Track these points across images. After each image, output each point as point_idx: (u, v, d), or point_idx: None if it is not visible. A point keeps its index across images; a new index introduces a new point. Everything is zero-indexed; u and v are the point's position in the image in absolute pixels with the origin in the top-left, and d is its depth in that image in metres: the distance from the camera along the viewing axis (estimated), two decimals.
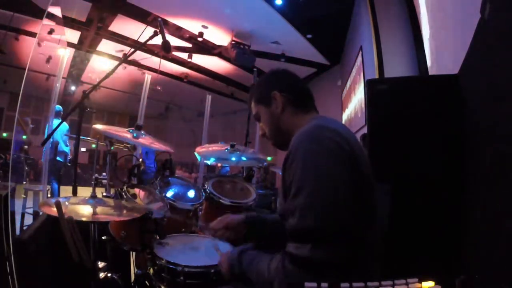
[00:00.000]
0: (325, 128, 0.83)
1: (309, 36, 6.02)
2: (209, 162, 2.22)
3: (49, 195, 3.76)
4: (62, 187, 4.32)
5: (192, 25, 6.11)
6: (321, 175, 0.75)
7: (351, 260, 0.73)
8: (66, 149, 4.45)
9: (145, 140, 1.76)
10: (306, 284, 0.58)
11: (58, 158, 4.24)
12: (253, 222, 1.15)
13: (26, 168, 4.17)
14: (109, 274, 1.30)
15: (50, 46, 4.48)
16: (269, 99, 0.98)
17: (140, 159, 1.86)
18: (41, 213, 2.23)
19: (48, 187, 4.11)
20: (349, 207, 0.74)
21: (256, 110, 1.03)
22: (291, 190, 0.78)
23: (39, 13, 4.97)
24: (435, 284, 0.59)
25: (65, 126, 4.52)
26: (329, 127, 0.83)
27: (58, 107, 4.13)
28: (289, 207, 0.79)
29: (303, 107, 0.98)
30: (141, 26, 5.88)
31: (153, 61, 7.12)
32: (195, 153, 1.93)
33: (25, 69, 2.91)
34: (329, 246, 0.71)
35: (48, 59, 5.00)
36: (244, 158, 1.87)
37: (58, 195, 4.16)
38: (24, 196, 3.37)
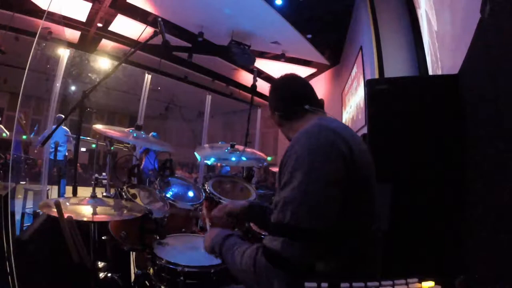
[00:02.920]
0: (324, 127, 0.83)
1: (309, 36, 6.02)
2: (209, 162, 2.22)
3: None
4: None
5: (192, 25, 6.11)
6: (310, 172, 0.75)
7: (325, 260, 0.73)
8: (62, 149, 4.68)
9: (145, 140, 1.76)
10: (306, 284, 0.58)
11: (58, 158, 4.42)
12: (255, 210, 1.16)
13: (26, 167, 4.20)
14: (109, 274, 1.30)
15: (50, 46, 4.49)
16: (272, 113, 1.07)
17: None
18: (41, 213, 2.23)
19: (49, 187, 4.14)
20: (334, 207, 0.74)
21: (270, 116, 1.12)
22: (281, 183, 0.79)
23: (39, 13, 4.98)
24: (435, 284, 0.59)
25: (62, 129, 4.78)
26: (328, 126, 0.84)
27: (60, 115, 4.41)
28: (276, 199, 0.79)
29: (297, 116, 1.01)
30: (141, 26, 5.88)
31: (153, 61, 7.11)
32: (195, 153, 1.93)
33: (25, 69, 2.90)
34: (302, 243, 0.71)
35: (48, 60, 5.02)
36: (244, 158, 1.87)
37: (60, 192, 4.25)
38: (20, 197, 3.37)
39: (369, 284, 0.57)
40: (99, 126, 1.69)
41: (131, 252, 1.64)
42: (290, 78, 1.08)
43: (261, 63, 6.33)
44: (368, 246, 0.83)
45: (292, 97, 1.04)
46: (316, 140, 0.79)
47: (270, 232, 0.77)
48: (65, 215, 0.92)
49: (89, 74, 8.21)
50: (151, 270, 1.27)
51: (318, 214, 0.73)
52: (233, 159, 1.87)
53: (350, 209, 0.76)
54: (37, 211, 3.08)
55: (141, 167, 4.03)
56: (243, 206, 1.16)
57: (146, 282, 1.31)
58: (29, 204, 3.35)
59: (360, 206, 0.79)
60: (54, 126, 4.31)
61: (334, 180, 0.75)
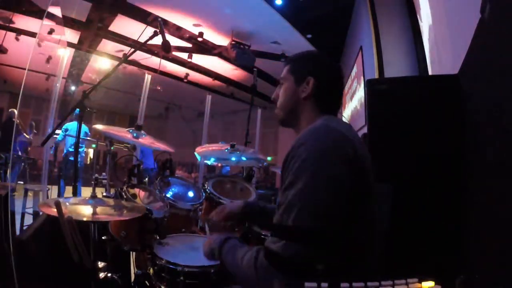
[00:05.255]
0: (332, 129, 0.82)
1: (309, 36, 6.02)
2: (209, 162, 2.22)
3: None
4: None
5: (192, 25, 6.11)
6: (316, 175, 0.74)
7: (326, 264, 0.72)
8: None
9: (145, 140, 1.76)
10: (306, 284, 0.58)
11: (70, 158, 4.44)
12: (253, 210, 1.16)
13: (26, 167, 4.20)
14: (109, 274, 1.30)
15: (50, 46, 4.49)
16: (302, 79, 0.92)
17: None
18: (41, 213, 2.23)
19: (49, 187, 4.14)
20: (338, 211, 0.74)
21: (285, 76, 0.97)
22: (285, 183, 0.78)
23: (39, 13, 4.97)
24: (435, 284, 0.59)
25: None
26: (336, 128, 0.82)
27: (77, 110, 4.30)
28: (280, 200, 0.79)
29: (326, 107, 0.93)
30: (141, 26, 5.88)
31: (153, 61, 7.12)
32: (195, 153, 1.93)
33: (25, 69, 2.90)
34: (304, 246, 0.71)
35: (48, 59, 5.02)
36: (244, 158, 1.87)
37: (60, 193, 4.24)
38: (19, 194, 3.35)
39: (369, 284, 0.57)
40: (99, 126, 1.69)
41: (131, 252, 1.64)
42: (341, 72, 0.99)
43: (261, 63, 6.32)
44: (368, 247, 0.83)
45: (339, 89, 0.97)
46: (324, 143, 0.78)
47: (273, 234, 0.77)
48: (65, 215, 0.92)
49: (89, 74, 8.21)
50: (151, 270, 1.27)
51: (322, 217, 0.72)
52: (233, 159, 1.87)
53: (353, 212, 0.76)
54: (37, 211, 3.08)
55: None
56: (239, 206, 1.15)
57: (146, 282, 1.31)
58: (29, 204, 3.35)
59: (362, 209, 0.79)
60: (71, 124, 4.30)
61: (339, 184, 0.74)
